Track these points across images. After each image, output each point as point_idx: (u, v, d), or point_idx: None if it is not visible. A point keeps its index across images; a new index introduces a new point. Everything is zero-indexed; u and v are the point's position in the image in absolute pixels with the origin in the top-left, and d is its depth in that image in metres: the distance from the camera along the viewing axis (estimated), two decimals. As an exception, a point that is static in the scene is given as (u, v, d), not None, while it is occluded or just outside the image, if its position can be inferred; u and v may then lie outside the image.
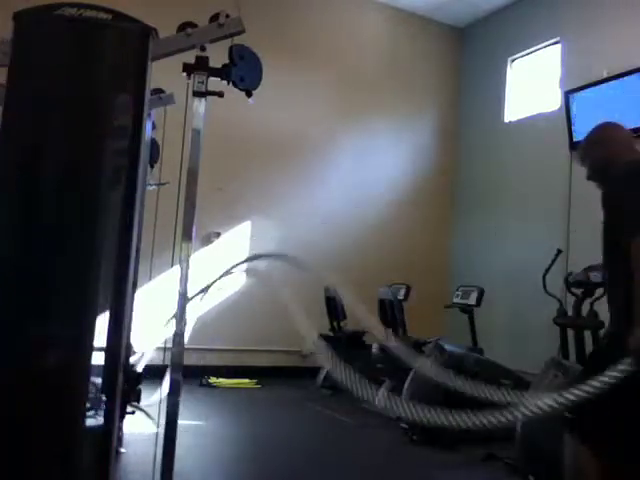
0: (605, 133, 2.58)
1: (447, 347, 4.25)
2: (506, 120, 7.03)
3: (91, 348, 2.32)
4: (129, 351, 2.98)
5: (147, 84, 2.51)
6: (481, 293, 5.40)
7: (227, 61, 2.68)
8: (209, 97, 2.64)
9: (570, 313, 4.15)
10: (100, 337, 2.36)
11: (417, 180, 7.31)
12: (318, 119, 6.86)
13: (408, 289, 5.71)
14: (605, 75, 5.61)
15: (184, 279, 2.60)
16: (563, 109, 5.98)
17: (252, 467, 3.49)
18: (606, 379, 1.89)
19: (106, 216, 2.41)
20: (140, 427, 3.73)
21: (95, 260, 2.38)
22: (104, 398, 2.33)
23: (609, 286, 2.29)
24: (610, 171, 2.34)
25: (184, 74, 2.64)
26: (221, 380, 5.75)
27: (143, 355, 3.47)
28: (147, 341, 3.97)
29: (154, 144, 3.74)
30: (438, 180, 7.41)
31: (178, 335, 2.59)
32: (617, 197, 2.17)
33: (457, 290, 5.74)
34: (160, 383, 2.71)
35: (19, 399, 2.19)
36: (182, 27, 2.64)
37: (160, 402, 2.71)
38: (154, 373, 3.14)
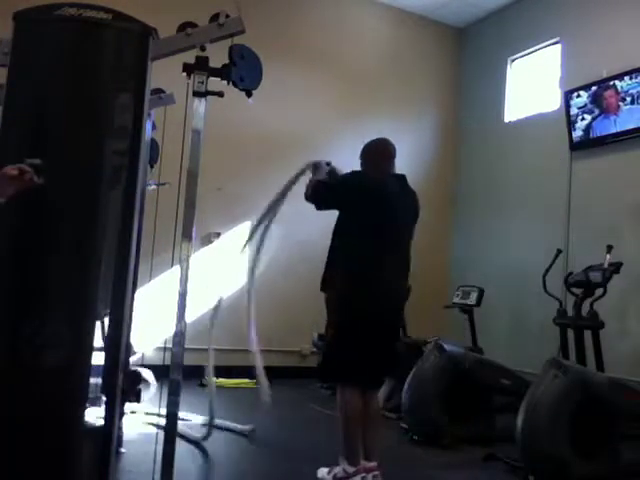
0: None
1: (447, 347, 4.25)
2: (506, 120, 7.03)
3: (91, 348, 2.32)
4: (129, 351, 2.98)
5: (147, 84, 2.51)
6: (481, 293, 5.40)
7: (227, 61, 2.68)
8: (209, 97, 2.64)
9: (570, 313, 4.15)
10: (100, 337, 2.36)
11: (417, 180, 7.24)
12: (318, 119, 6.86)
13: (408, 289, 5.69)
14: (605, 75, 5.61)
15: (184, 279, 2.60)
16: (563, 109, 5.98)
17: (252, 467, 3.49)
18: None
19: (106, 216, 2.41)
20: (140, 427, 3.73)
21: (95, 260, 2.39)
22: (104, 398, 2.34)
23: None
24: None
25: (184, 74, 2.64)
26: (221, 380, 5.74)
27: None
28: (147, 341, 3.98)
29: (154, 144, 3.74)
30: (438, 180, 7.40)
31: (178, 335, 2.59)
32: None
33: (457, 290, 5.74)
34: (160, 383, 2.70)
35: (19, 399, 2.19)
36: (182, 27, 2.65)
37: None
38: (154, 373, 3.14)
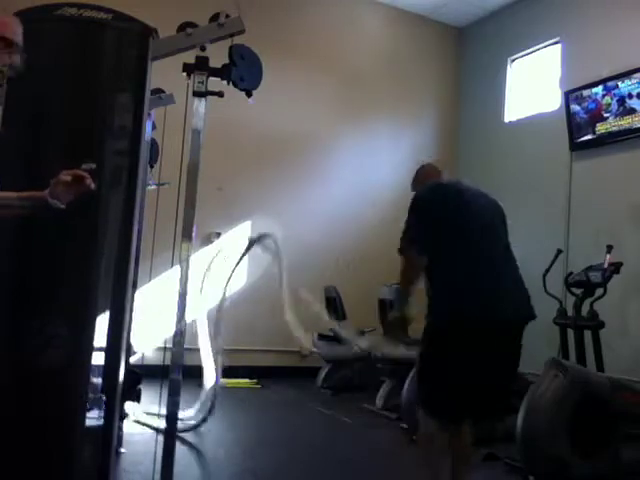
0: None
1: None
2: (506, 120, 7.03)
3: (91, 348, 2.32)
4: (129, 351, 2.98)
5: (147, 84, 2.51)
6: (481, 293, 5.39)
7: (227, 61, 2.68)
8: (209, 97, 2.64)
9: (570, 313, 4.15)
10: (100, 337, 2.36)
11: (417, 180, 7.30)
12: (318, 119, 6.86)
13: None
14: (605, 75, 5.61)
15: (184, 279, 2.60)
16: (563, 109, 5.98)
17: (252, 467, 3.48)
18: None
19: (106, 216, 2.41)
20: (140, 427, 3.74)
21: (95, 260, 2.39)
22: (104, 398, 2.34)
23: None
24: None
25: (184, 74, 2.64)
26: (221, 380, 5.74)
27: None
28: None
29: (154, 144, 3.74)
30: (438, 180, 7.39)
31: (178, 335, 2.59)
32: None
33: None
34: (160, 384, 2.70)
35: (19, 399, 2.19)
36: (182, 27, 2.65)
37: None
38: (154, 373, 3.14)
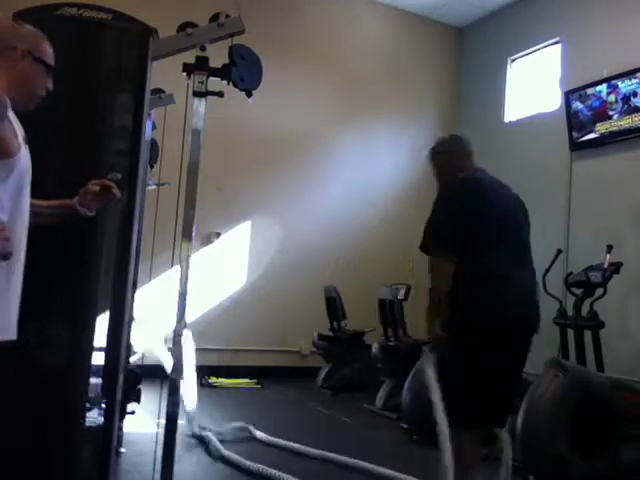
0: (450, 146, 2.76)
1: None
2: (506, 120, 7.03)
3: (91, 348, 2.32)
4: (129, 351, 2.98)
5: (147, 84, 2.51)
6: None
7: (227, 61, 2.68)
8: (209, 97, 2.64)
9: (570, 313, 4.15)
10: (100, 337, 2.36)
11: (417, 180, 7.28)
12: (318, 119, 6.86)
13: (408, 289, 5.70)
14: (605, 75, 5.61)
15: (184, 279, 2.60)
16: (563, 109, 5.98)
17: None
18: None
19: (106, 216, 2.40)
20: (140, 427, 3.73)
21: (95, 260, 2.38)
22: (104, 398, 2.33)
23: None
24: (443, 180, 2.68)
25: (184, 74, 2.64)
26: (221, 380, 5.74)
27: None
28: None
29: (154, 144, 3.74)
30: (438, 180, 7.39)
31: (178, 335, 2.59)
32: (434, 205, 2.55)
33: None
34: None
35: (19, 399, 2.19)
36: (182, 27, 2.64)
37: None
38: (154, 373, 3.14)
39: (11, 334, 1.64)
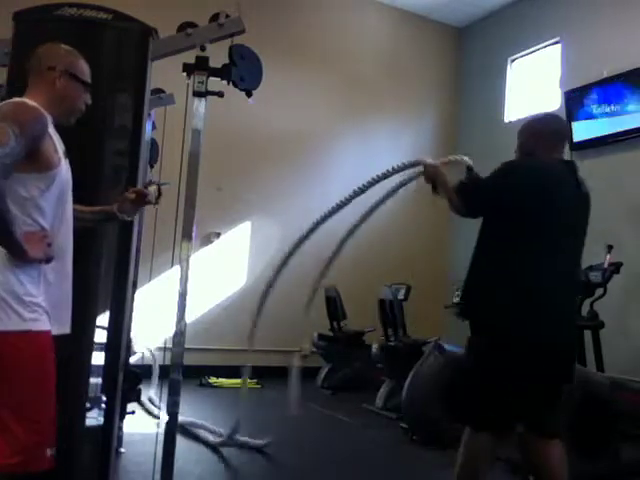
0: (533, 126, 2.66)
1: (447, 347, 4.24)
2: (506, 120, 7.03)
3: (91, 348, 2.32)
4: (129, 351, 2.98)
5: (147, 84, 2.51)
6: (481, 293, 5.39)
7: (227, 61, 2.68)
8: (209, 97, 2.64)
9: (570, 313, 4.15)
10: (100, 337, 2.36)
11: (418, 180, 7.31)
12: (318, 119, 6.86)
13: (408, 289, 5.70)
14: (605, 75, 5.61)
15: (184, 279, 2.60)
16: (563, 109, 5.98)
17: (251, 467, 3.48)
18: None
19: (106, 216, 2.40)
20: (140, 427, 3.73)
21: (95, 260, 2.39)
22: (104, 398, 2.34)
23: None
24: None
25: (184, 74, 2.64)
26: (221, 380, 5.74)
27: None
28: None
29: (154, 144, 3.74)
30: (438, 180, 7.39)
31: (178, 335, 2.59)
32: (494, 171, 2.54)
33: (457, 290, 5.74)
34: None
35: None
36: (182, 27, 2.65)
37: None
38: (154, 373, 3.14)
39: (67, 329, 1.82)
